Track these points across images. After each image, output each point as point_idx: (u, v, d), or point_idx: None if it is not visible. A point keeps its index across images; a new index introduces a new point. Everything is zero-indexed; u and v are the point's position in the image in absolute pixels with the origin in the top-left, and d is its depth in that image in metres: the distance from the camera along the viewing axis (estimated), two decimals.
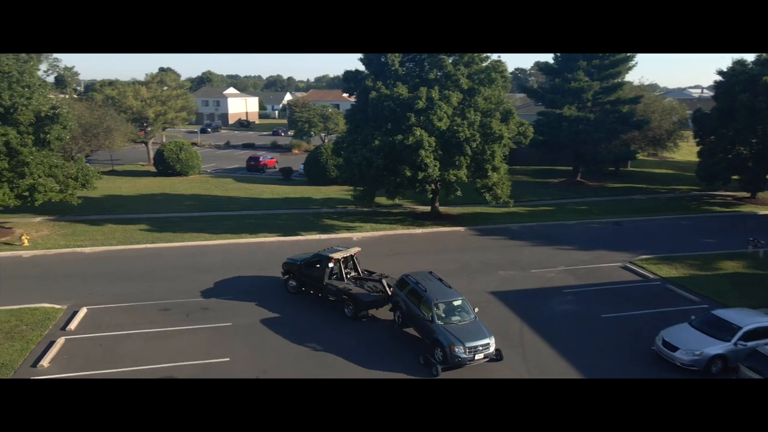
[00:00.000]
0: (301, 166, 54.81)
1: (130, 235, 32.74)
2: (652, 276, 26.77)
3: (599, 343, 19.87)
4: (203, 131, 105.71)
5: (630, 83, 55.21)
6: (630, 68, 50.61)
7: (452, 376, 17.37)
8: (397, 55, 33.27)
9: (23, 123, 29.69)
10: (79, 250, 29.89)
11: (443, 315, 18.38)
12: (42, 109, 30.08)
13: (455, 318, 18.46)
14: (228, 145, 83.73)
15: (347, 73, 36.19)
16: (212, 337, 19.82)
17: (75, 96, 73.62)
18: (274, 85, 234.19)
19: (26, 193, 30.29)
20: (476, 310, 19.36)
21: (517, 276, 26.88)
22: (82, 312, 21.61)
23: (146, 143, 62.68)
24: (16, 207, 31.65)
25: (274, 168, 60.02)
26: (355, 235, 33.91)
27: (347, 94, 36.90)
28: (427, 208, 39.60)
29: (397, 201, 38.29)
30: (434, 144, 31.92)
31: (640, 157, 60.42)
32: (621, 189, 50.35)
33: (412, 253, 30.46)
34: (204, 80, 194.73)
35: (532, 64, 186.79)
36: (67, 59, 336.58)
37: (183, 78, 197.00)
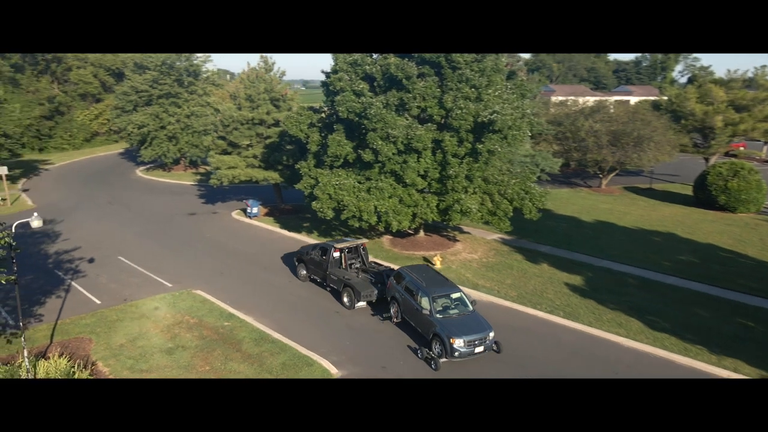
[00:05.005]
0: None
1: (541, 289, 23.93)
2: None
3: None
4: None
5: None
6: None
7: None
8: None
9: (462, 130, 25.37)
10: (467, 291, 23.80)
11: (442, 308, 18.32)
12: (481, 113, 24.83)
13: (454, 311, 18.38)
14: None
15: None
16: None
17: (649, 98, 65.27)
18: None
19: (450, 208, 26.32)
20: (474, 302, 19.16)
21: None
22: None
23: (707, 159, 48.52)
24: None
25: None
26: None
27: None
28: None
29: None
30: None
31: None
32: None
33: None
34: None
35: None
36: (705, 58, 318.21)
37: None
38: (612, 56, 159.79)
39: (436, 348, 17.57)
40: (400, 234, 30.99)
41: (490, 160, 26.12)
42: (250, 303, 22.43)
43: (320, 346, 18.70)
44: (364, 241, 24.51)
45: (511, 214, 26.93)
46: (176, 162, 54.29)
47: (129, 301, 22.43)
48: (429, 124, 26.16)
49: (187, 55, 52.63)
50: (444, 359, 17.23)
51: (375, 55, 27.80)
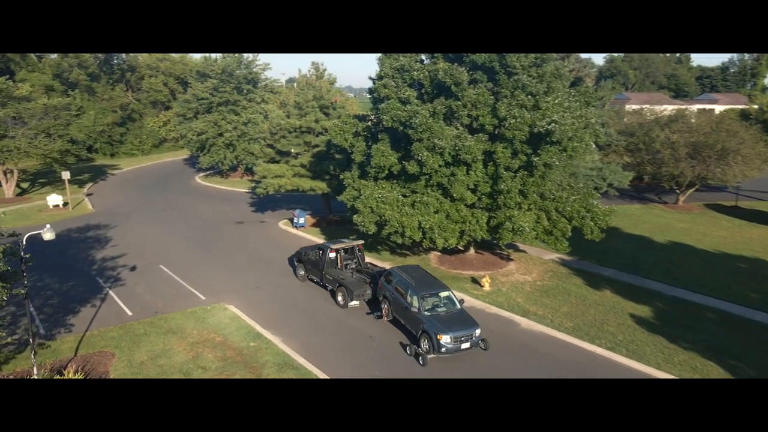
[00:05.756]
0: None
1: (602, 319, 21.25)
2: None
3: None
4: None
5: None
6: None
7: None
8: None
9: (516, 140, 23.16)
10: (517, 319, 21.53)
11: (430, 306, 18.87)
12: (537, 123, 22.55)
13: (441, 309, 18.92)
14: None
15: None
16: None
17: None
18: None
19: (501, 225, 24.09)
20: (462, 301, 19.89)
21: None
22: None
23: None
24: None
25: None
26: None
27: None
28: None
29: None
30: None
31: None
32: None
33: None
34: None
35: None
36: None
37: None
38: (695, 61, 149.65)
39: (424, 344, 18.04)
40: (449, 251, 28.99)
41: (547, 174, 23.71)
42: (280, 321, 21.25)
43: (346, 376, 17.12)
44: (360, 242, 25.25)
45: (570, 234, 24.40)
46: (233, 169, 54.76)
47: (159, 314, 21.80)
48: (480, 134, 24.13)
49: (247, 62, 53.06)
50: (432, 355, 17.75)
51: (424, 60, 26.16)
